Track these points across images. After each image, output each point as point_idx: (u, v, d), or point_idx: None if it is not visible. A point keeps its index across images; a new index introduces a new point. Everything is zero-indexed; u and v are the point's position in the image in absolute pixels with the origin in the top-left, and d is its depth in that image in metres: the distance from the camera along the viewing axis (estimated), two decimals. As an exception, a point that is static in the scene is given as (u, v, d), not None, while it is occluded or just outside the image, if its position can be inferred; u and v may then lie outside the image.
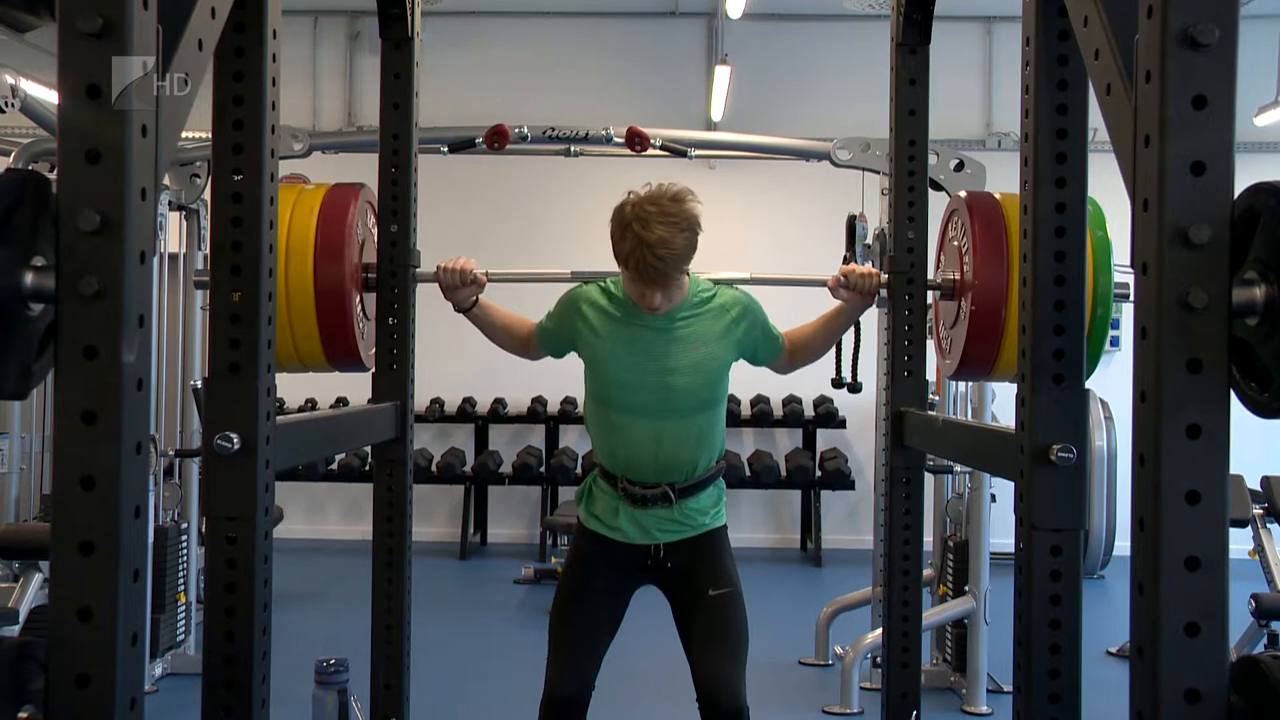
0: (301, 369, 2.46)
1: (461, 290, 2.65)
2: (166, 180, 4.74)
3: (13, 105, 4.12)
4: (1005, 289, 2.27)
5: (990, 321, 2.31)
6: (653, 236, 2.43)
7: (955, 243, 2.49)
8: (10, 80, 4.16)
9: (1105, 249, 2.18)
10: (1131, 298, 1.39)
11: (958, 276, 2.47)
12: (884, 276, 2.67)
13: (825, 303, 2.74)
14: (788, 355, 2.77)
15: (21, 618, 3.63)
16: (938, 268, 2.62)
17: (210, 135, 1.78)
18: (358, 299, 2.51)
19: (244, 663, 1.76)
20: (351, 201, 2.45)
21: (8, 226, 1.20)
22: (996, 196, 2.40)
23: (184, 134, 1.66)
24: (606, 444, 2.69)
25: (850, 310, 2.71)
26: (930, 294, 2.63)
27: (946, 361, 2.55)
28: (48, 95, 4.43)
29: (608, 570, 2.68)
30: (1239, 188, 1.23)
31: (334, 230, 2.39)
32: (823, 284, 2.69)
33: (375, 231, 2.66)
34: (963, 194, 2.46)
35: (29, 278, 1.21)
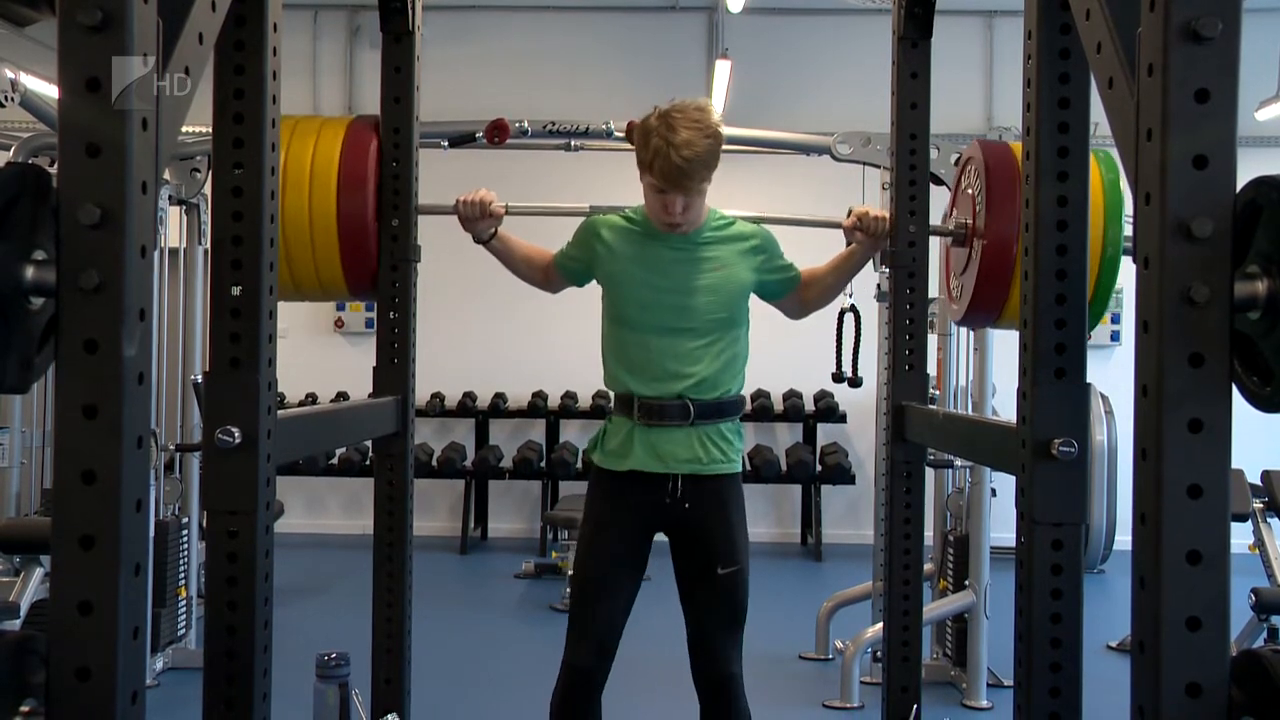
0: (324, 297, 2.57)
1: (480, 222, 2.68)
2: (167, 174, 4.74)
3: (13, 99, 4.12)
4: (1016, 232, 2.29)
5: (1000, 262, 2.36)
6: (678, 138, 2.49)
7: (970, 191, 2.52)
8: (10, 74, 4.16)
9: (1116, 196, 2.20)
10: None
11: (970, 220, 2.50)
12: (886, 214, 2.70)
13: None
14: (801, 289, 2.80)
15: (23, 612, 3.63)
16: (949, 218, 2.67)
17: (211, 129, 1.78)
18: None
19: (245, 657, 1.76)
20: (373, 135, 2.57)
21: (8, 221, 1.19)
22: (1011, 145, 2.44)
23: (184, 128, 1.66)
24: (623, 361, 2.67)
25: (863, 253, 2.75)
26: (941, 242, 2.66)
27: (955, 307, 2.59)
28: (48, 89, 4.42)
29: (625, 517, 2.65)
30: (1241, 182, 1.23)
31: (358, 160, 2.49)
32: (836, 226, 2.74)
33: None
34: (976, 142, 2.52)
35: (29, 272, 1.20)
